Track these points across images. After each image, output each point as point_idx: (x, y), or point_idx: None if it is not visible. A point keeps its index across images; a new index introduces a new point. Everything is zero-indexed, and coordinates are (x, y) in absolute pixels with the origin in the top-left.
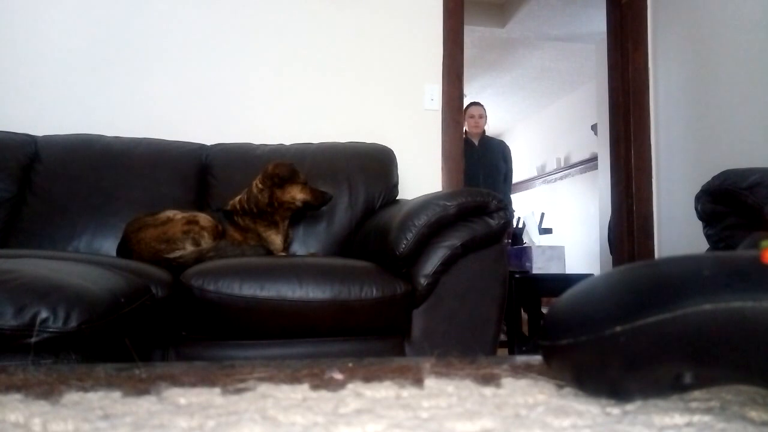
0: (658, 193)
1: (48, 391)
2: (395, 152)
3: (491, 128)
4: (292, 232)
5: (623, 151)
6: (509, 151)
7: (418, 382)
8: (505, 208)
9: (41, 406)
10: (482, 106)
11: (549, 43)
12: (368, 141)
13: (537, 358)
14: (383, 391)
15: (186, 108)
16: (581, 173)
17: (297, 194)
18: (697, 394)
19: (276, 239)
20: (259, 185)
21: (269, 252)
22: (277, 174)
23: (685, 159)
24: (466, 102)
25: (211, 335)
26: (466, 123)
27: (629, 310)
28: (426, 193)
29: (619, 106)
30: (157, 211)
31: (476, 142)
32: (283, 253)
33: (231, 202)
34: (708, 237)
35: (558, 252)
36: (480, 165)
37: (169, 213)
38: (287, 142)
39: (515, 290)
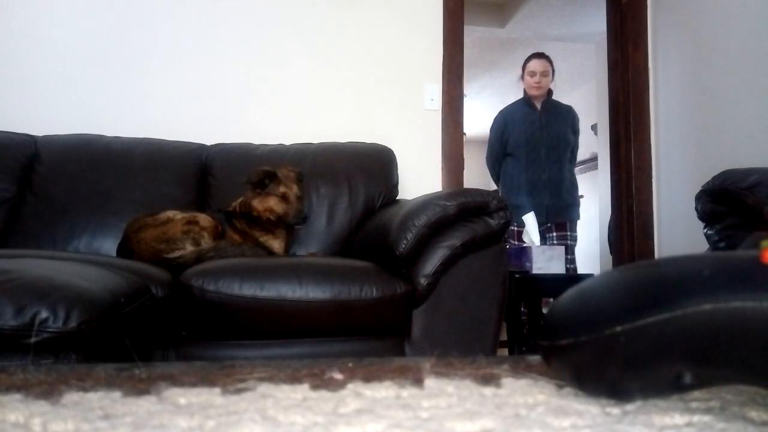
0: (658, 193)
1: (48, 391)
2: (395, 152)
3: (487, 129)
4: (293, 237)
5: (623, 151)
6: (578, 120)
7: (418, 382)
8: (505, 207)
9: (41, 406)
10: (548, 59)
11: (549, 43)
12: (368, 141)
13: (537, 358)
14: (383, 391)
15: (186, 108)
16: (581, 173)
17: (270, 205)
18: (697, 394)
19: (274, 244)
20: (250, 188)
21: (270, 253)
22: (259, 179)
23: (685, 159)
24: (466, 99)
25: (211, 335)
26: (523, 82)
27: (629, 310)
28: (426, 193)
29: (619, 106)
30: (157, 212)
31: (538, 106)
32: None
33: (233, 204)
34: (708, 237)
35: (558, 252)
36: (542, 135)
37: (169, 213)
38: (287, 142)
39: (515, 290)
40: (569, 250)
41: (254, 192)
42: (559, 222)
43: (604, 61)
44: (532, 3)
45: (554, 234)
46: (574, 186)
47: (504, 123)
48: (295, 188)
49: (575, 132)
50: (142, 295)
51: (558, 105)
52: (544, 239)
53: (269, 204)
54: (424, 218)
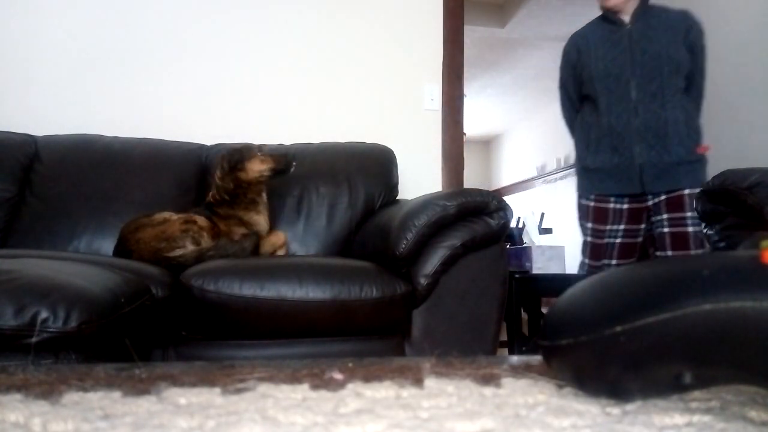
0: None
1: (48, 391)
2: (395, 152)
3: (489, 128)
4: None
5: None
6: (701, 34)
7: (418, 382)
8: (504, 208)
9: (41, 406)
10: None
11: (549, 43)
12: (368, 141)
13: (537, 358)
14: (383, 391)
15: (186, 108)
16: None
17: (259, 167)
18: (697, 394)
19: (259, 219)
20: (219, 174)
21: (252, 247)
22: (232, 158)
23: None
24: (466, 99)
25: (211, 335)
26: None
27: (629, 310)
28: (426, 193)
29: None
30: (150, 213)
31: (626, 19)
32: (278, 241)
33: (210, 194)
34: (708, 237)
35: (558, 252)
36: (632, 58)
37: (165, 214)
38: (287, 142)
39: (515, 290)
40: (691, 242)
41: (235, 173)
42: (672, 197)
43: None
44: (532, 3)
45: (664, 217)
46: (692, 132)
47: (576, 51)
48: (263, 147)
49: (694, 50)
50: (142, 295)
51: (661, 13)
52: (633, 226)
53: (256, 167)
54: (424, 218)
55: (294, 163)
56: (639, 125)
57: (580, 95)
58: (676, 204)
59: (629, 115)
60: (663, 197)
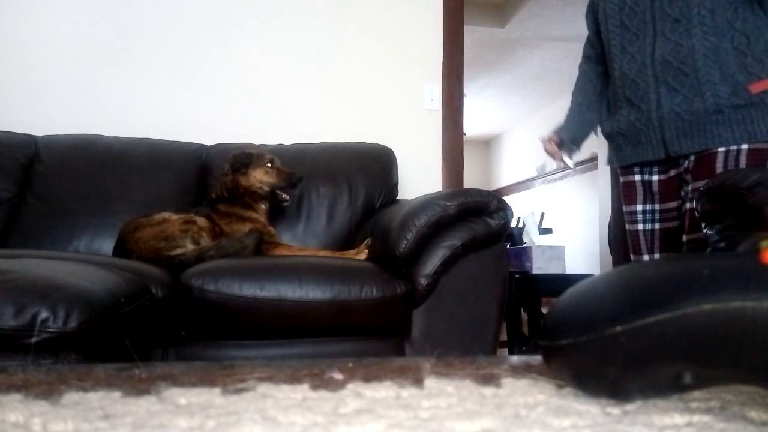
0: None
1: (48, 391)
2: (395, 152)
3: (489, 128)
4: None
5: None
6: None
7: (418, 382)
8: (505, 207)
9: (41, 406)
10: None
11: (549, 43)
12: (368, 141)
13: (537, 358)
14: (383, 391)
15: (186, 108)
16: (581, 173)
17: (261, 177)
18: (697, 394)
19: (257, 216)
20: (223, 170)
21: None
22: (237, 160)
23: None
24: (466, 99)
25: (211, 335)
26: None
27: (629, 310)
28: (426, 193)
29: None
30: (149, 213)
31: None
32: (272, 231)
33: (211, 195)
34: (708, 237)
35: (558, 252)
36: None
37: (164, 214)
38: (287, 142)
39: (515, 290)
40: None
41: (236, 174)
42: (702, 157)
43: None
44: (532, 3)
45: (689, 188)
46: (746, 63)
47: (592, 5)
48: (276, 160)
49: None
50: (142, 295)
51: None
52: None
53: (258, 176)
54: (424, 218)
55: (300, 182)
56: (660, 60)
57: (601, 53)
58: (703, 168)
59: (643, 56)
60: (692, 159)
